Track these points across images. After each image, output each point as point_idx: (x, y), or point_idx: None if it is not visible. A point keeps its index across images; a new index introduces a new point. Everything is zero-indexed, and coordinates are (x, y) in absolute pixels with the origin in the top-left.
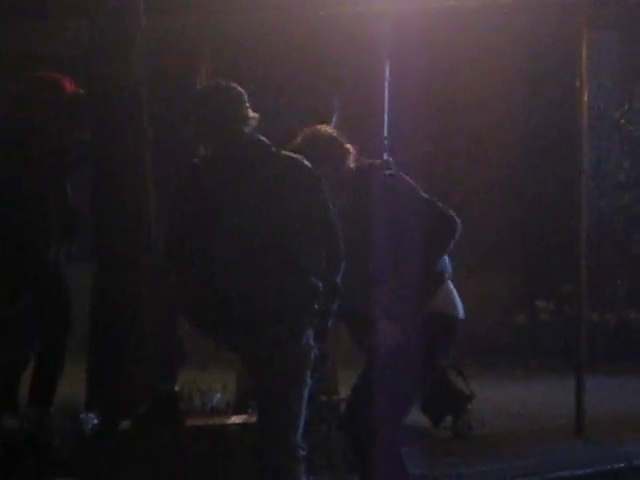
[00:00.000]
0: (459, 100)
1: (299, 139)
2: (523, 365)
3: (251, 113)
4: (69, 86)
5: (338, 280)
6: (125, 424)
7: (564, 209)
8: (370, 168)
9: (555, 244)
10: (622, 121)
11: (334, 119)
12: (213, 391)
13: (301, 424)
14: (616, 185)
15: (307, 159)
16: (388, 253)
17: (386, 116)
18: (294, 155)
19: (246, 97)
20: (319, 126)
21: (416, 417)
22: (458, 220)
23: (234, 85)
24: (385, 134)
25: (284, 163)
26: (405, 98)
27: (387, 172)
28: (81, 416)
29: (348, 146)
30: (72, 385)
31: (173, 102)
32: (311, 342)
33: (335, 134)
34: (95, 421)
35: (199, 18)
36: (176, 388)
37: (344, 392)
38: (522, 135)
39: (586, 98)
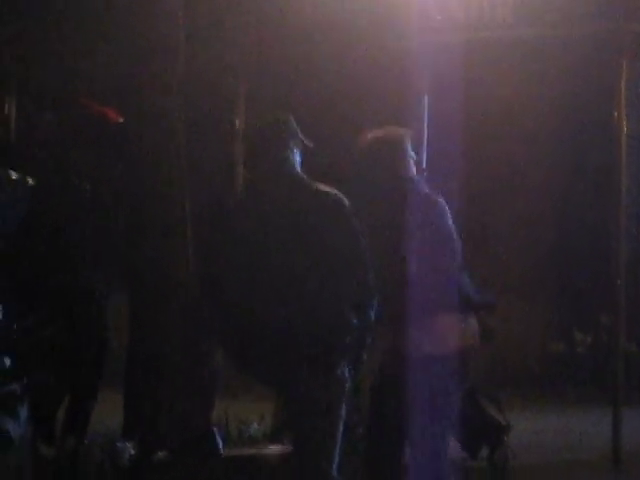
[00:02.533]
0: (498, 133)
1: (363, 144)
2: (560, 396)
3: (296, 148)
4: (114, 118)
5: (371, 315)
6: (162, 454)
7: (603, 239)
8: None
9: (593, 274)
10: None
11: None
12: (250, 421)
13: (336, 456)
14: None
15: (367, 165)
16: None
17: (425, 149)
18: (330, 190)
19: (294, 128)
20: (386, 129)
21: (453, 448)
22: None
23: (285, 118)
24: (424, 166)
25: (319, 199)
26: (443, 131)
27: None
28: (118, 446)
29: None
30: (109, 415)
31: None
32: (346, 375)
33: (401, 140)
34: (132, 451)
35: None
36: (212, 418)
37: None
38: (562, 166)
39: (625, 129)
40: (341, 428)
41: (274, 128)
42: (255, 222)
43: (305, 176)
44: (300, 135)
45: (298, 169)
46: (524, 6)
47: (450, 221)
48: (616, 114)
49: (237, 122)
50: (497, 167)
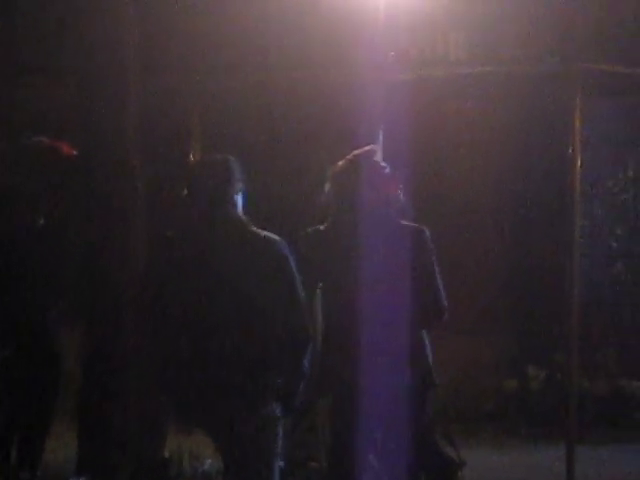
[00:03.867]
0: (451, 168)
1: (341, 162)
2: (513, 433)
3: (239, 185)
4: (68, 151)
5: (305, 363)
6: None
7: (556, 277)
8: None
9: (547, 311)
10: (615, 190)
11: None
12: (204, 456)
13: None
14: (608, 254)
15: (345, 183)
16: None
17: None
18: (270, 235)
19: (237, 170)
20: (365, 150)
21: None
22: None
23: (225, 159)
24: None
25: (259, 243)
26: (397, 167)
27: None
28: None
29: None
30: (62, 448)
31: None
32: (277, 413)
33: (377, 160)
34: None
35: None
36: (166, 453)
37: None
38: (515, 204)
39: (579, 166)
40: (277, 466)
41: (215, 168)
42: (191, 259)
43: (245, 218)
44: (241, 177)
45: (238, 210)
46: (477, 43)
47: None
48: (571, 150)
49: (191, 154)
50: (450, 204)
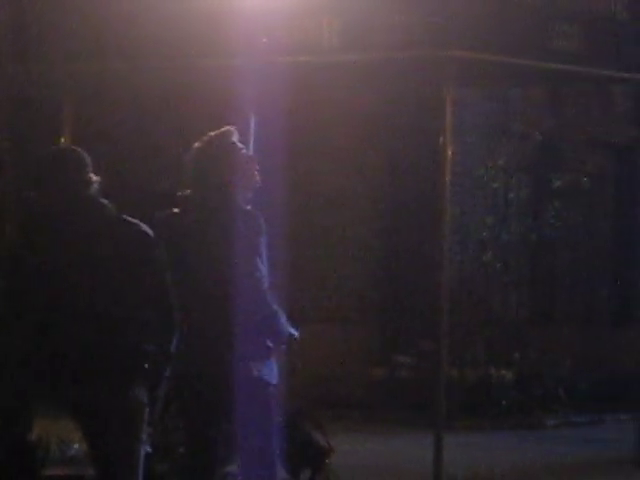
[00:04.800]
0: (323, 155)
1: (197, 143)
2: (382, 420)
3: (93, 177)
4: None
5: (171, 348)
6: None
7: (426, 266)
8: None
9: (416, 300)
10: (485, 178)
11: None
12: (71, 441)
13: (139, 477)
14: (478, 242)
15: (202, 164)
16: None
17: None
18: (134, 220)
19: (88, 160)
20: (221, 131)
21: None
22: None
23: (75, 149)
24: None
25: (122, 227)
26: (268, 152)
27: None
28: None
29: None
30: None
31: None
32: (143, 400)
33: (234, 141)
34: None
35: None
36: (33, 437)
37: None
38: (385, 192)
39: (450, 155)
40: (142, 452)
41: (71, 154)
42: (57, 243)
43: (107, 203)
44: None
45: (98, 196)
46: (350, 31)
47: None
48: (441, 139)
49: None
50: (323, 188)
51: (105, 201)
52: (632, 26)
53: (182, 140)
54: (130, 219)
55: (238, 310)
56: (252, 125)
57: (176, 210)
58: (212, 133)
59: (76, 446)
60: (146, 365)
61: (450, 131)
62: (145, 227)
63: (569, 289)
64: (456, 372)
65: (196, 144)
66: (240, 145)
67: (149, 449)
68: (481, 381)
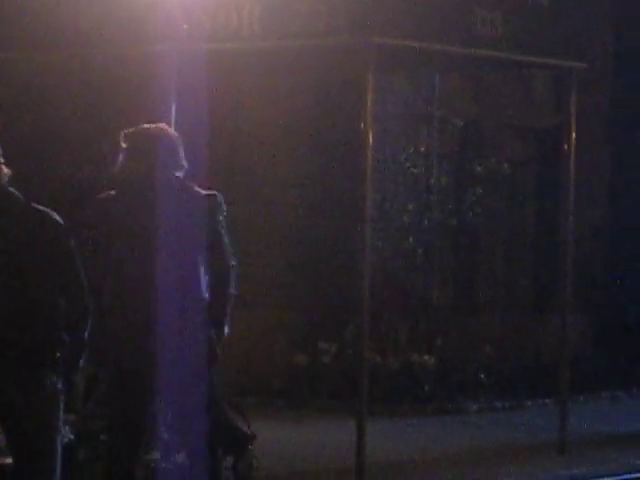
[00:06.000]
0: (244, 142)
1: (135, 129)
2: (304, 406)
3: (4, 169)
4: None
5: (84, 335)
6: None
7: (347, 251)
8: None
9: (338, 286)
10: (407, 164)
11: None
12: None
13: (57, 466)
14: (400, 228)
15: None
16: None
17: None
18: (43, 209)
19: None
20: (147, 125)
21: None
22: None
23: None
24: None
25: (32, 215)
26: (190, 140)
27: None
28: None
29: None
30: None
31: None
32: (58, 387)
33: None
34: None
35: None
36: None
37: None
38: (306, 177)
39: (371, 141)
40: (59, 440)
41: None
42: None
43: (16, 192)
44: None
45: (7, 186)
46: (271, 17)
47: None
48: (362, 125)
49: None
50: (244, 177)
51: (13, 190)
52: (553, 12)
53: (103, 128)
54: (39, 207)
55: (171, 293)
56: (173, 112)
57: (113, 192)
58: (149, 124)
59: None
60: (59, 354)
61: (371, 117)
62: (55, 215)
63: (490, 275)
64: (379, 358)
65: (133, 129)
66: (169, 129)
67: (71, 436)
68: (403, 367)
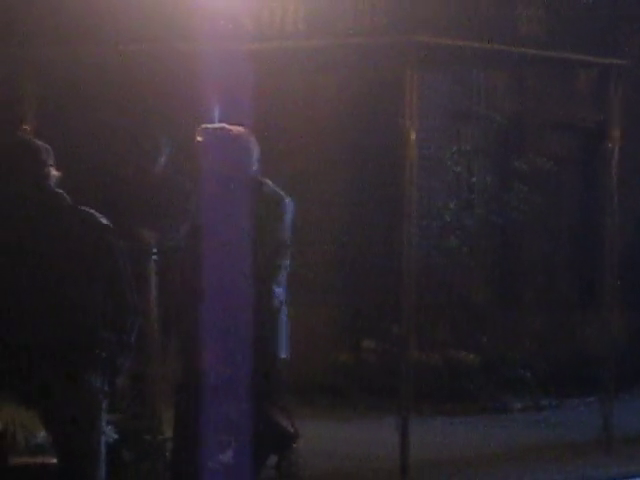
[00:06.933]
0: (285, 141)
1: (198, 137)
2: (348, 405)
3: (53, 171)
4: None
5: (129, 337)
6: None
7: (391, 249)
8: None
9: (382, 284)
10: (449, 162)
11: (162, 158)
12: (37, 429)
13: (100, 466)
14: (442, 226)
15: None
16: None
17: None
18: (89, 210)
19: (47, 152)
20: (221, 125)
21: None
22: None
23: (32, 140)
24: None
25: (79, 217)
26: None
27: None
28: None
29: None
30: None
31: None
32: (100, 388)
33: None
34: None
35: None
36: None
37: (169, 431)
38: (351, 175)
39: (414, 139)
40: (102, 440)
41: (29, 146)
42: (10, 233)
43: (64, 194)
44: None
45: (54, 187)
46: (315, 16)
47: None
48: (405, 123)
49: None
50: (287, 176)
51: (61, 191)
52: (595, 9)
53: (146, 128)
54: (86, 209)
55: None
56: (216, 112)
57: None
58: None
59: (42, 434)
60: (104, 354)
61: (413, 115)
62: (101, 217)
63: (534, 272)
64: (422, 356)
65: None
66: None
67: (115, 436)
68: (447, 365)
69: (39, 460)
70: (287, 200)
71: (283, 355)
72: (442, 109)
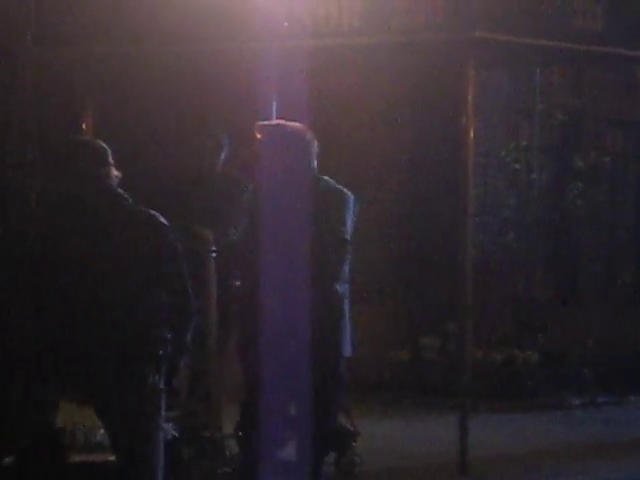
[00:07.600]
0: (343, 139)
1: (259, 135)
2: (407, 402)
3: (114, 171)
4: None
5: (185, 336)
6: (7, 460)
7: (450, 246)
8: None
9: (440, 281)
10: (508, 159)
11: (222, 156)
12: (97, 427)
13: (157, 467)
14: (501, 222)
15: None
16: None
17: None
18: (149, 211)
19: (107, 152)
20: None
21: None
22: None
23: (92, 140)
24: None
25: (139, 217)
26: None
27: None
28: None
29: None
30: None
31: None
32: (159, 386)
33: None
34: None
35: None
36: (59, 423)
37: (228, 429)
38: (409, 172)
39: (472, 136)
40: (161, 438)
41: (89, 146)
42: (72, 233)
43: (123, 193)
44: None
45: (115, 187)
46: (371, 13)
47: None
48: (464, 120)
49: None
50: (345, 174)
51: (122, 191)
52: None
53: (203, 126)
54: (146, 209)
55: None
56: (274, 109)
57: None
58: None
59: (102, 431)
60: (161, 351)
61: (472, 112)
62: (160, 217)
63: (592, 269)
64: (481, 353)
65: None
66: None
67: (175, 433)
68: (506, 362)
69: (98, 458)
70: (349, 196)
71: (347, 354)
72: (500, 106)
